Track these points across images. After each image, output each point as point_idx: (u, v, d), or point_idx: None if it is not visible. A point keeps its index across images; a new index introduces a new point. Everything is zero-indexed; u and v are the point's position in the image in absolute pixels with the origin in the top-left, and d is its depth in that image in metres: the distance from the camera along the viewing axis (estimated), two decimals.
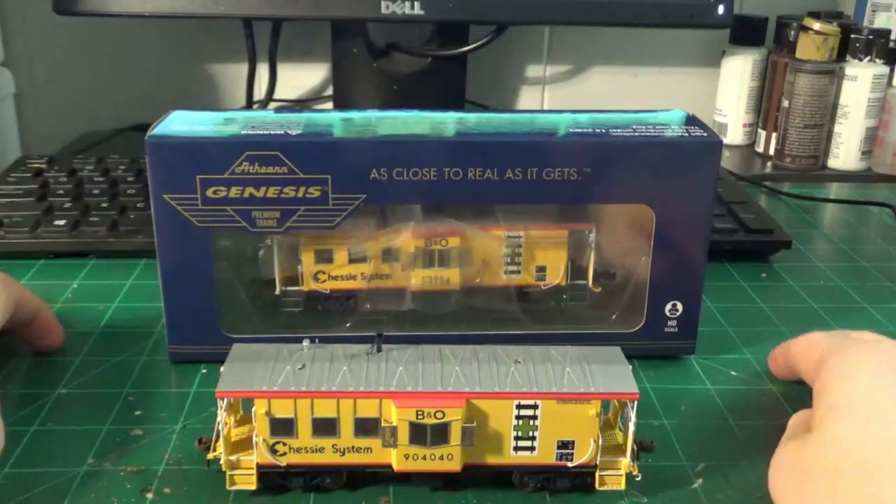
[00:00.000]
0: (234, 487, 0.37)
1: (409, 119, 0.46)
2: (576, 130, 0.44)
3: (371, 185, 0.43)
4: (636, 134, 0.44)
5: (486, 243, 0.48)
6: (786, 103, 0.82)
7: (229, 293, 0.47)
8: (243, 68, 0.85)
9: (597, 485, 0.37)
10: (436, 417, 0.35)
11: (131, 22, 0.83)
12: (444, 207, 0.47)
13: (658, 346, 0.48)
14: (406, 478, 0.37)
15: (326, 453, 0.36)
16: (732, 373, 0.48)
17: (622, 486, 0.37)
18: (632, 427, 0.36)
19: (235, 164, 0.42)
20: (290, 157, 0.42)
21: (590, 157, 0.43)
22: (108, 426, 0.42)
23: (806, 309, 0.55)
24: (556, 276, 0.49)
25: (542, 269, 0.49)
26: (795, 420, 0.38)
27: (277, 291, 0.48)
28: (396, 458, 0.36)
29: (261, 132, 0.43)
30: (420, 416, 0.35)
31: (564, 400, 0.36)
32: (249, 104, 0.86)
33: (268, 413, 0.35)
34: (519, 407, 0.36)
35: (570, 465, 0.37)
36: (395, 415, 0.35)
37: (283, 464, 0.36)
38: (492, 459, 0.37)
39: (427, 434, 0.36)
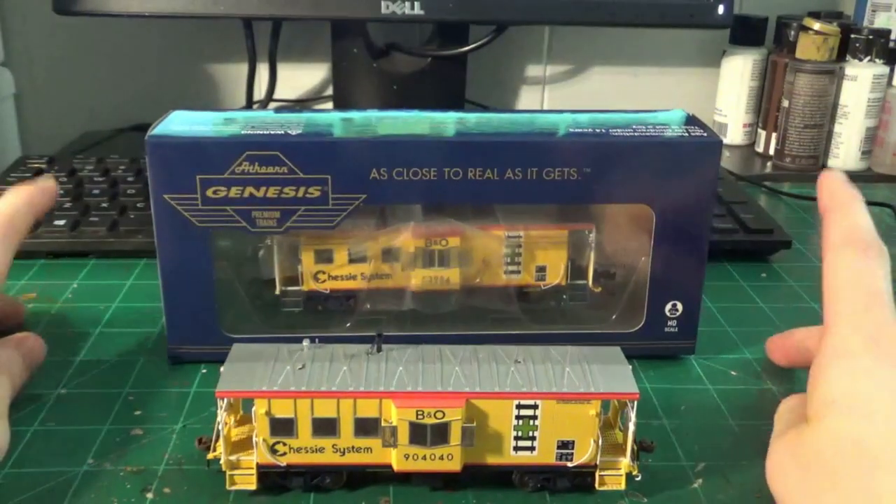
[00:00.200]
0: (234, 487, 0.37)
1: (409, 119, 0.46)
2: (576, 130, 0.44)
3: (371, 185, 0.43)
4: (636, 134, 0.44)
5: (486, 243, 0.48)
6: (786, 103, 0.82)
7: (229, 293, 0.47)
8: (243, 68, 0.85)
9: (597, 485, 0.37)
10: (436, 417, 0.35)
11: (131, 22, 0.83)
12: (444, 207, 0.47)
13: (658, 346, 0.48)
14: (406, 478, 0.37)
15: (326, 453, 0.36)
16: (732, 373, 0.48)
17: (622, 486, 0.37)
18: (632, 427, 0.36)
19: (235, 164, 0.42)
20: (290, 157, 0.42)
21: (590, 157, 0.43)
22: (108, 426, 0.42)
23: (806, 309, 0.55)
24: (556, 276, 0.49)
25: (542, 269, 0.49)
26: (787, 406, 0.38)
27: (277, 291, 0.48)
28: (396, 458, 0.36)
29: (261, 132, 0.43)
30: (420, 416, 0.35)
31: (564, 400, 0.36)
32: (249, 104, 0.86)
33: (268, 413, 0.35)
34: (519, 407, 0.36)
35: (570, 465, 0.37)
36: (395, 415, 0.35)
37: (283, 464, 0.36)
38: (492, 459, 0.37)
39: (427, 434, 0.36)
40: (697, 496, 0.38)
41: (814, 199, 0.75)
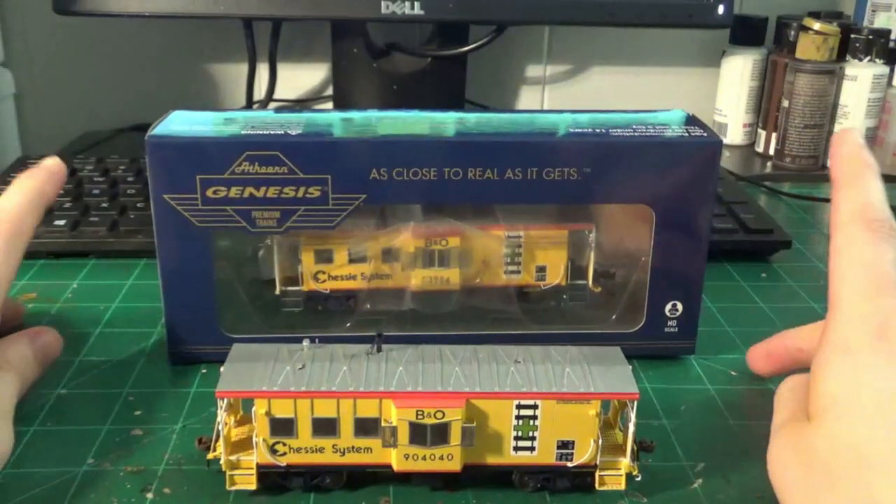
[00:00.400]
0: (234, 487, 0.37)
1: (409, 119, 0.46)
2: (576, 130, 0.44)
3: (371, 185, 0.43)
4: (636, 134, 0.44)
5: (486, 243, 0.48)
6: (786, 103, 0.82)
7: (229, 293, 0.47)
8: (243, 68, 0.85)
9: (597, 485, 0.37)
10: (436, 417, 0.35)
11: (131, 22, 0.83)
12: (444, 207, 0.47)
13: (658, 346, 0.48)
14: (406, 478, 0.37)
15: (326, 453, 0.36)
16: (732, 373, 0.48)
17: (622, 486, 0.37)
18: (632, 427, 0.36)
19: (235, 164, 0.42)
20: (290, 157, 0.42)
21: (590, 157, 0.43)
22: (108, 426, 0.42)
23: (806, 309, 0.55)
24: (556, 276, 0.49)
25: (542, 269, 0.49)
26: (788, 386, 0.37)
27: (277, 291, 0.48)
28: (396, 458, 0.36)
29: (261, 132, 0.43)
30: (420, 416, 0.35)
31: (564, 400, 0.36)
32: (249, 104, 0.86)
33: (268, 413, 0.35)
34: (519, 407, 0.36)
35: (570, 465, 0.37)
36: (395, 415, 0.35)
37: (283, 464, 0.36)
38: (492, 459, 0.37)
39: (427, 434, 0.36)
40: (697, 496, 0.38)
41: (814, 199, 0.76)
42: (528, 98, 0.93)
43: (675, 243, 0.45)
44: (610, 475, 0.37)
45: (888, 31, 0.80)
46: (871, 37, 0.80)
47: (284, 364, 0.37)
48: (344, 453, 0.36)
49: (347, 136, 0.43)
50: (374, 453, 0.36)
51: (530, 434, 0.36)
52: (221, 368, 0.37)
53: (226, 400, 0.36)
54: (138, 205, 0.63)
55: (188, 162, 0.42)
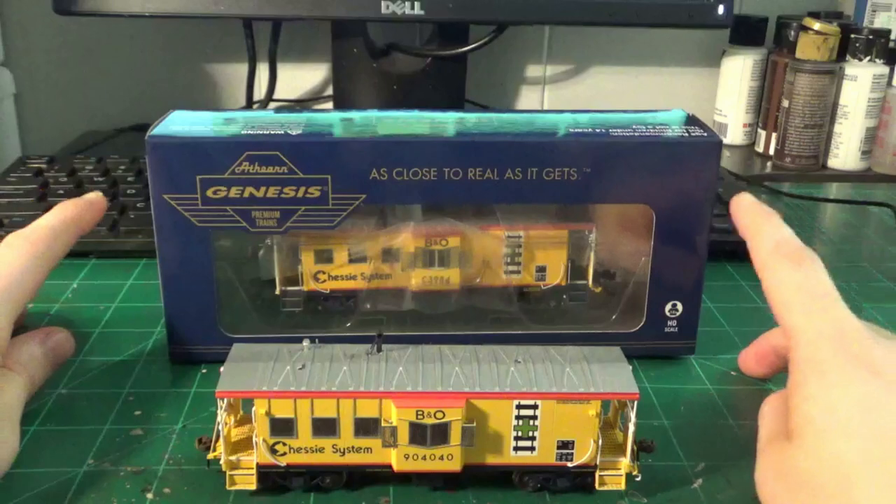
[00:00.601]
0: (234, 487, 0.37)
1: (409, 119, 0.46)
2: (576, 130, 0.44)
3: (371, 185, 0.43)
4: (636, 134, 0.44)
5: (486, 243, 0.48)
6: (786, 103, 0.82)
7: (229, 293, 0.47)
8: (243, 68, 0.85)
9: (597, 485, 0.37)
10: (436, 417, 0.35)
11: (131, 22, 0.83)
12: (444, 207, 0.47)
13: (658, 346, 0.48)
14: (406, 478, 0.37)
15: (326, 453, 0.36)
16: (732, 373, 0.48)
17: (622, 486, 0.37)
18: (632, 427, 0.36)
19: (235, 164, 0.42)
20: (290, 157, 0.42)
21: (590, 157, 0.43)
22: (108, 426, 0.42)
23: None
24: (556, 276, 0.49)
25: (542, 269, 0.49)
26: (770, 406, 0.37)
27: (277, 291, 0.48)
28: (396, 458, 0.36)
29: (261, 132, 0.43)
30: (420, 416, 0.35)
31: (564, 400, 0.36)
32: (249, 104, 0.86)
33: (268, 413, 0.35)
34: (519, 407, 0.36)
35: (570, 465, 0.37)
36: (395, 415, 0.35)
37: (283, 464, 0.36)
38: (492, 459, 0.37)
39: (427, 434, 0.36)
40: (697, 496, 0.38)
41: (814, 199, 0.76)
42: (528, 98, 0.93)
43: (675, 243, 0.45)
44: (610, 475, 0.37)
45: (888, 31, 0.80)
46: (871, 37, 0.80)
47: (284, 364, 0.37)
48: (344, 453, 0.36)
49: (347, 136, 0.43)
50: (374, 453, 0.36)
51: (530, 434, 0.36)
52: (221, 368, 0.37)
53: (226, 400, 0.36)
54: (138, 205, 0.63)
55: (188, 162, 0.42)
